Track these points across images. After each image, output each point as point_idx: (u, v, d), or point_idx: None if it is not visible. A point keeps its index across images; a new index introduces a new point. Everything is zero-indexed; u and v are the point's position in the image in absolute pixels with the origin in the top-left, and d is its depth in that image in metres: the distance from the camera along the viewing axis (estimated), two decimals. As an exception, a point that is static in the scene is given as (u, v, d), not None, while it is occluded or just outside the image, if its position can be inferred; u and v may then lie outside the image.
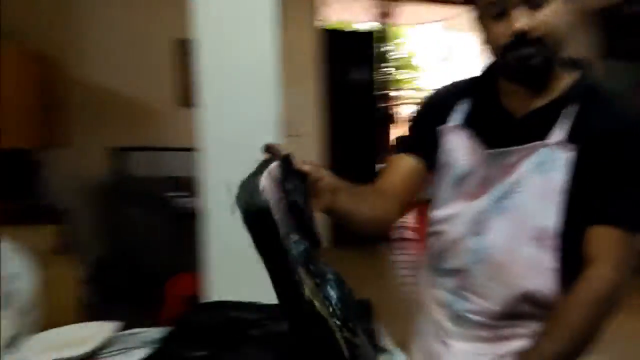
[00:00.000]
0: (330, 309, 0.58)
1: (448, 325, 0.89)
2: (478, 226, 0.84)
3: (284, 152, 0.69)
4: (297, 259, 0.60)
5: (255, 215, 0.58)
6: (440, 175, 0.93)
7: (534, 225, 0.80)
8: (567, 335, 0.74)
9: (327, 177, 0.76)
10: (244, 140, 1.26)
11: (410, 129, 1.00)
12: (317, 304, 0.58)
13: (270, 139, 1.17)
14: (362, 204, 0.87)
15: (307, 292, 0.58)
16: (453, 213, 0.88)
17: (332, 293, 0.61)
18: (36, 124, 2.70)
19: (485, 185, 0.85)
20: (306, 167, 0.72)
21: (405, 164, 0.96)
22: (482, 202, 0.85)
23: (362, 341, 0.62)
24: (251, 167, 0.65)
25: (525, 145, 0.82)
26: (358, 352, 0.60)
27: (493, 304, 0.83)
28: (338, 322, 0.58)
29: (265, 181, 0.60)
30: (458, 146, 0.90)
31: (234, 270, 1.32)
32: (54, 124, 2.92)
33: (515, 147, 0.83)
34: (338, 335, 0.57)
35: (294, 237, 0.62)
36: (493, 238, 0.83)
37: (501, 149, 0.84)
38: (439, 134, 0.92)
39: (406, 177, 0.96)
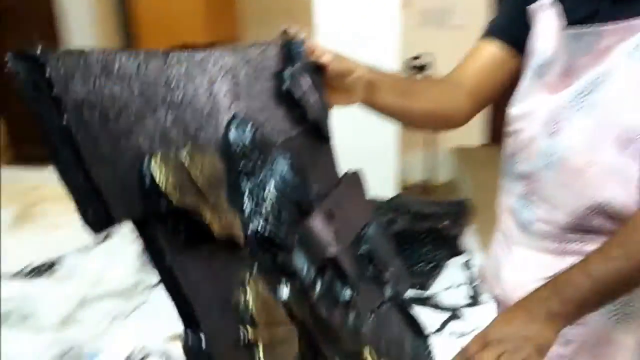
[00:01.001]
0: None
1: (515, 233, 0.83)
2: (554, 125, 0.73)
3: (301, 36, 0.60)
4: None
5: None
6: (524, 64, 0.79)
7: (622, 125, 0.68)
8: (626, 257, 0.65)
9: (358, 70, 0.69)
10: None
11: (499, 10, 0.85)
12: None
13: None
14: (414, 97, 0.78)
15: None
16: (530, 109, 0.77)
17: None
18: (207, 18, 2.65)
19: (568, 75, 0.73)
20: (326, 58, 0.64)
21: (487, 52, 0.83)
22: (563, 96, 0.72)
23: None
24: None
25: (621, 24, 0.67)
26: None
27: (562, 214, 0.74)
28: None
29: None
30: (546, 28, 0.76)
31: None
32: (225, 18, 2.87)
33: (608, 26, 0.68)
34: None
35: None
36: (569, 139, 0.71)
37: (590, 28, 0.70)
38: (530, 14, 0.78)
39: (487, 67, 0.83)
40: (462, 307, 0.91)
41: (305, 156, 0.54)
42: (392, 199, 1.24)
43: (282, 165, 0.43)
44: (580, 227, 0.74)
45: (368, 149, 1.92)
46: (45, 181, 1.38)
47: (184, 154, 0.32)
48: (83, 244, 1.05)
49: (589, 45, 0.71)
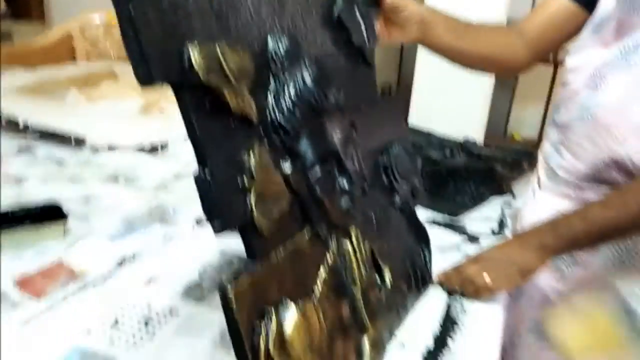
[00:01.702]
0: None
1: (543, 178, 0.87)
2: (597, 79, 0.74)
3: None
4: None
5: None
6: (587, 19, 0.79)
7: None
8: (623, 206, 0.66)
9: (413, 6, 0.73)
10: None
11: None
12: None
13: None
14: (470, 39, 0.81)
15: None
16: (581, 63, 0.78)
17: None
18: None
19: (620, 32, 0.73)
20: None
21: (556, 6, 0.84)
22: (610, 52, 0.73)
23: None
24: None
25: None
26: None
27: (583, 164, 0.77)
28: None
29: None
30: None
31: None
32: None
33: None
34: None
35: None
36: (606, 95, 0.72)
37: None
38: None
39: (552, 20, 0.84)
40: (481, 235, 0.98)
41: (340, 74, 0.64)
42: (464, 141, 1.30)
43: (304, 74, 0.54)
44: (597, 179, 0.77)
45: (463, 95, 1.95)
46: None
47: (219, 47, 0.45)
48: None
49: None
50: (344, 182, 0.58)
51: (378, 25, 0.72)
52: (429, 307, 0.76)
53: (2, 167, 1.07)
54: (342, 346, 0.56)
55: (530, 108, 3.39)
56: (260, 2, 0.52)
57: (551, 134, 0.86)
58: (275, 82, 0.53)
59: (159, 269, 0.77)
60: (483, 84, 1.94)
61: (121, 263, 0.78)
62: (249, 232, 0.47)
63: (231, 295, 0.42)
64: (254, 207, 0.46)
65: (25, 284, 0.71)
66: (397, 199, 0.72)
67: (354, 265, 0.59)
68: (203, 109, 0.44)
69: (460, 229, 1.00)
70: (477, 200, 1.08)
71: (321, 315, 0.52)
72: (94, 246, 0.82)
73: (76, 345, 0.61)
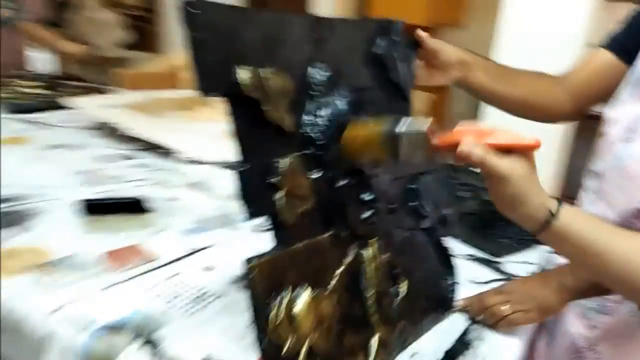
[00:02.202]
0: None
1: None
2: (631, 133, 0.75)
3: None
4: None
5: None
6: (630, 73, 0.80)
7: None
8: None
9: (451, 49, 0.79)
10: None
11: (621, 24, 0.86)
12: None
13: None
14: (510, 82, 0.85)
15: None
16: (619, 115, 0.79)
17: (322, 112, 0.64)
18: (431, 2, 2.84)
19: None
20: (422, 34, 0.75)
21: (599, 60, 0.86)
22: None
23: None
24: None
25: None
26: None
27: (613, 213, 0.78)
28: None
29: None
30: None
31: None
32: (451, 4, 3.02)
33: None
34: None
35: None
36: (636, 147, 0.73)
37: None
38: None
39: (595, 72, 0.86)
40: (518, 277, 1.00)
41: (376, 104, 0.74)
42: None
43: (341, 99, 0.66)
44: (626, 227, 0.79)
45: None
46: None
47: (264, 70, 0.58)
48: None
49: None
50: (366, 197, 0.68)
51: (417, 66, 0.81)
52: (449, 328, 0.82)
53: (107, 169, 1.28)
54: (351, 338, 0.65)
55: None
56: (303, 38, 0.64)
57: (588, 183, 0.88)
58: (312, 103, 0.64)
59: (217, 261, 0.90)
60: (559, 136, 1.93)
61: (189, 254, 0.93)
62: (276, 222, 0.58)
63: (253, 267, 0.54)
64: (281, 203, 0.57)
65: (112, 257, 0.87)
66: (425, 224, 0.80)
67: (370, 271, 0.68)
68: (247, 119, 0.57)
69: (498, 269, 1.03)
70: (521, 245, 1.11)
71: (333, 305, 0.62)
72: (169, 237, 0.97)
73: (141, 308, 0.74)
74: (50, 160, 1.29)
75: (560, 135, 1.92)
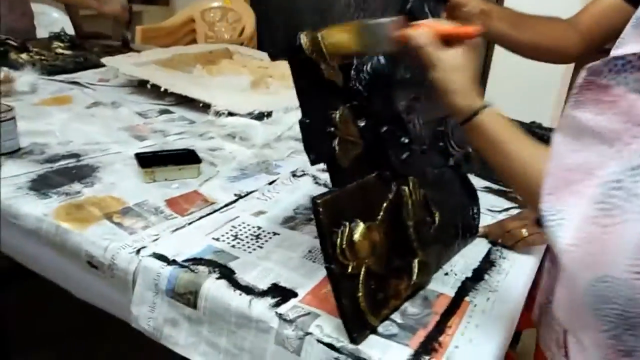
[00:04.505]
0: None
1: None
2: None
3: None
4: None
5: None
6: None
7: None
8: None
9: (475, 2, 0.83)
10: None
11: None
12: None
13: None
14: (525, 29, 0.89)
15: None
16: (619, 56, 0.78)
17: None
18: None
19: None
20: None
21: (605, 1, 0.91)
22: None
23: None
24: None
25: None
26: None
27: None
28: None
29: None
30: None
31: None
32: None
33: None
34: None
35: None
36: None
37: None
38: None
39: (604, 13, 0.90)
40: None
41: (409, 57, 0.81)
42: (530, 122, 1.41)
43: (380, 56, 0.73)
44: None
45: (536, 82, 2.01)
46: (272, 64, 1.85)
47: (320, 34, 0.64)
48: (286, 107, 1.47)
49: None
50: (405, 140, 0.76)
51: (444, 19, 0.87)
52: (473, 251, 0.92)
53: (151, 124, 1.36)
54: (397, 261, 0.75)
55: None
56: (349, 2, 0.70)
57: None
58: (357, 59, 0.71)
59: (265, 205, 1.00)
60: (560, 74, 1.98)
61: (238, 197, 1.02)
62: (333, 167, 0.67)
63: (320, 203, 0.63)
64: (337, 148, 0.65)
65: (173, 204, 0.97)
66: (451, 162, 0.89)
67: (409, 204, 0.77)
68: (308, 77, 0.64)
69: (511, 197, 1.13)
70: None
71: (381, 234, 0.71)
72: (219, 184, 1.07)
73: (210, 245, 0.85)
74: (97, 117, 1.36)
75: (554, 72, 1.97)
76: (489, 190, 1.16)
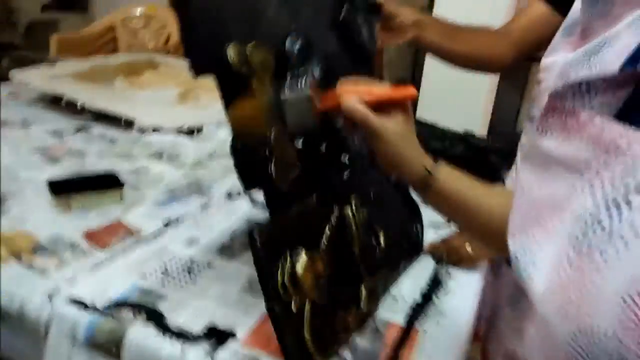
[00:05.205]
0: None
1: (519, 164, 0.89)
2: (563, 78, 0.72)
3: None
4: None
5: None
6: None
7: None
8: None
9: (408, 12, 0.82)
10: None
11: None
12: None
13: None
14: (458, 40, 0.89)
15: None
16: (551, 63, 0.82)
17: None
18: None
19: (585, 36, 0.74)
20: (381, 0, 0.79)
21: (537, 11, 0.91)
22: (576, 54, 0.72)
23: None
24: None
25: None
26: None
27: None
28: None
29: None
30: None
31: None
32: None
33: None
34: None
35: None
36: None
37: None
38: None
39: (533, 23, 0.91)
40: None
41: (344, 69, 0.76)
42: (464, 133, 1.41)
43: (314, 69, 0.67)
44: None
45: (469, 90, 2.04)
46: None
47: (248, 46, 0.58)
48: (218, 121, 1.39)
49: (604, 11, 0.78)
50: (345, 158, 0.71)
51: (378, 30, 0.83)
52: (420, 271, 0.88)
53: (66, 144, 1.23)
54: (344, 291, 0.69)
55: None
56: (279, 10, 0.64)
57: (528, 127, 0.96)
58: (291, 74, 0.65)
59: (198, 232, 0.91)
60: (488, 81, 2.03)
61: (167, 224, 0.93)
62: (270, 192, 0.60)
63: (257, 236, 0.56)
64: (273, 172, 0.59)
65: (92, 237, 0.86)
66: (393, 178, 0.84)
67: (353, 226, 0.72)
68: (237, 94, 0.57)
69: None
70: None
71: (326, 263, 0.65)
72: (144, 210, 0.97)
73: (135, 284, 0.75)
74: (4, 138, 1.21)
75: (487, 79, 2.02)
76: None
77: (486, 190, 0.59)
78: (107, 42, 2.81)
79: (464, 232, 0.61)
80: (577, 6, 0.81)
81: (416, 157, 0.59)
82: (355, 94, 0.57)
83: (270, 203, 0.61)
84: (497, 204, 0.56)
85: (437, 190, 0.58)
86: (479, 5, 1.61)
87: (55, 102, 1.44)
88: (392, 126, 0.57)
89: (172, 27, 2.68)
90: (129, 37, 2.88)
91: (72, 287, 0.73)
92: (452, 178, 0.58)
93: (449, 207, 0.59)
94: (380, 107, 0.57)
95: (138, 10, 2.90)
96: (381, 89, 0.58)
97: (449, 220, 0.63)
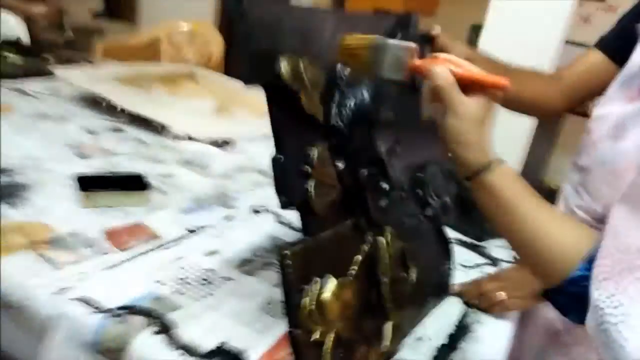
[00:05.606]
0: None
1: None
2: (618, 130, 0.76)
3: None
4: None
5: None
6: (619, 73, 0.81)
7: None
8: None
9: (459, 47, 0.79)
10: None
11: (614, 25, 0.88)
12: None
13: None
14: (510, 80, 0.91)
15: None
16: (606, 113, 0.80)
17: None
18: None
19: None
20: (436, 31, 0.77)
21: (591, 60, 0.89)
22: (634, 106, 0.74)
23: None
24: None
25: None
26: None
27: (599, 205, 0.78)
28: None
29: None
30: None
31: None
32: None
33: None
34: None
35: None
36: (626, 144, 0.74)
37: None
38: (637, 31, 0.79)
39: (587, 72, 0.89)
40: (503, 260, 1.03)
41: (392, 97, 0.72)
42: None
43: (364, 92, 0.64)
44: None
45: (502, 137, 1.99)
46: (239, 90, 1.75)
47: (302, 61, 0.55)
48: (251, 136, 1.37)
49: None
50: (385, 186, 0.67)
51: None
52: (448, 312, 0.83)
53: (99, 142, 1.22)
54: (368, 324, 0.64)
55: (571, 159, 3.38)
56: (333, 32, 0.61)
57: (572, 176, 0.90)
58: (340, 94, 0.62)
59: (220, 244, 0.87)
60: (522, 129, 1.97)
61: (190, 233, 0.89)
62: (306, 212, 0.56)
63: (288, 258, 0.52)
64: (311, 191, 0.55)
65: (112, 235, 0.83)
66: (429, 212, 0.80)
67: (385, 258, 0.67)
68: (284, 108, 0.54)
69: (483, 253, 1.06)
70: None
71: (353, 292, 0.60)
72: (168, 215, 0.93)
73: (150, 289, 0.71)
74: (39, 130, 1.21)
75: (520, 126, 1.96)
76: (461, 243, 1.08)
77: (543, 207, 0.55)
78: (151, 54, 2.86)
79: (503, 237, 0.57)
80: (636, 58, 0.78)
81: (483, 145, 0.56)
82: (449, 64, 0.56)
83: (305, 223, 0.57)
84: (554, 224, 0.52)
85: (489, 184, 0.55)
86: (525, 45, 1.57)
87: (93, 102, 1.44)
88: (472, 106, 0.55)
89: (215, 47, 2.71)
90: (172, 51, 2.92)
91: (83, 285, 0.69)
92: (509, 178, 0.55)
93: (497, 207, 0.55)
94: (471, 87, 0.55)
95: (184, 26, 2.94)
96: (476, 69, 0.57)
97: (491, 222, 0.58)
